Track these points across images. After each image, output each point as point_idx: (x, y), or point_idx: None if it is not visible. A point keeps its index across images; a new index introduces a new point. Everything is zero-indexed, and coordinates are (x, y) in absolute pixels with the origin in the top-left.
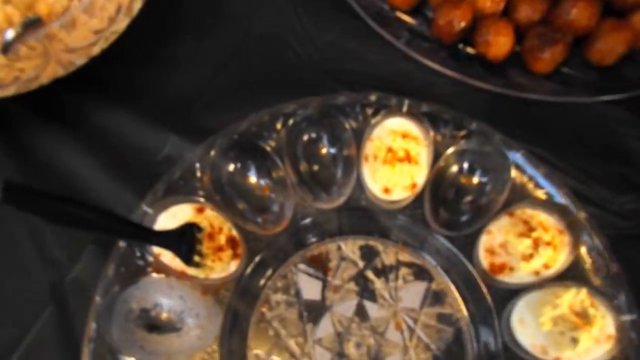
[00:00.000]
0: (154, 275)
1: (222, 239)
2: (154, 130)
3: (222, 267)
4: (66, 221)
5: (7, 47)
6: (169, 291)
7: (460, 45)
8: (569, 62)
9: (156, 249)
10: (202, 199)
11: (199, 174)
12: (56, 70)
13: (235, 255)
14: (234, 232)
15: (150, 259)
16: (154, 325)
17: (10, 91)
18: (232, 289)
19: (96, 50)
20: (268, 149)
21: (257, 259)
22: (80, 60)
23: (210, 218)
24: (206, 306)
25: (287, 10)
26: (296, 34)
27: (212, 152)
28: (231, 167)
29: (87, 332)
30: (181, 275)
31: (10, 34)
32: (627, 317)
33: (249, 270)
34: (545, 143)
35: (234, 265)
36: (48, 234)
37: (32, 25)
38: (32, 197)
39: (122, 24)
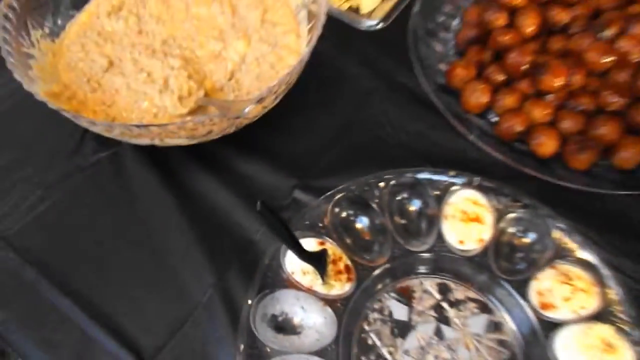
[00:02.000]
0: (286, 289)
1: (341, 265)
2: (284, 180)
3: (340, 287)
4: (277, 233)
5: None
6: (294, 302)
7: (517, 144)
8: (598, 164)
9: (290, 268)
10: (324, 236)
11: (322, 217)
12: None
13: (349, 279)
14: (349, 262)
15: (285, 275)
16: (281, 328)
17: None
18: (344, 304)
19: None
20: (373, 204)
21: (363, 284)
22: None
23: (331, 249)
24: (325, 315)
25: (383, 105)
26: (391, 123)
27: (332, 203)
28: (344, 214)
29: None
30: (308, 290)
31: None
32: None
33: (358, 292)
34: (581, 221)
35: (347, 286)
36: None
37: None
38: (271, 214)
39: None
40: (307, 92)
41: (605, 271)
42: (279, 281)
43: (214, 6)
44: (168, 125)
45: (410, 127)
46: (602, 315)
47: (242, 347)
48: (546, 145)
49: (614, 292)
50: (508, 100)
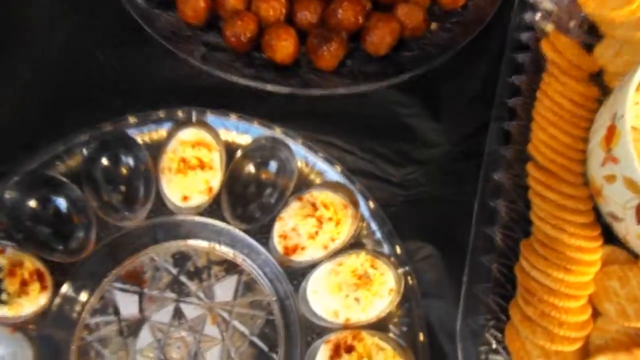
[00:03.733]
0: None
1: (25, 273)
2: None
3: (32, 301)
4: None
5: None
6: None
7: (256, 54)
8: (352, 56)
9: None
10: (2, 241)
11: None
12: None
13: (43, 287)
14: (39, 265)
15: None
16: None
17: None
18: (42, 322)
19: None
20: (65, 179)
21: (66, 287)
22: None
23: (9, 255)
24: (16, 344)
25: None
26: (96, 60)
27: (7, 194)
28: (32, 203)
29: None
30: None
31: None
32: (401, 270)
33: (58, 300)
34: (336, 132)
35: (44, 298)
36: None
37: None
38: None
39: None
40: None
41: (354, 185)
42: None
43: None
44: None
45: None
46: (356, 243)
47: None
48: (281, 47)
49: (365, 210)
50: (231, 0)
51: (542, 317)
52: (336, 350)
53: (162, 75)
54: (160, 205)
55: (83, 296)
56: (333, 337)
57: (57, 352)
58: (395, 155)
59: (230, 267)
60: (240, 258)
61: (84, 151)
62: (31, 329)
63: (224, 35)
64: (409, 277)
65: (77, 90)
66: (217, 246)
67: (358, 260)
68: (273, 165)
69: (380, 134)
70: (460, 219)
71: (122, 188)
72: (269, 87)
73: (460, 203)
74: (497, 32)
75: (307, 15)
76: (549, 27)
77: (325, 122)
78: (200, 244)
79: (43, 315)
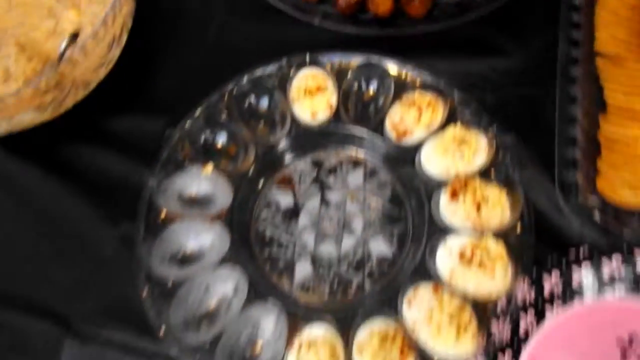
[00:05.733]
0: (170, 226)
1: None
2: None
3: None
4: None
5: (61, 56)
6: (183, 234)
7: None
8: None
9: (164, 204)
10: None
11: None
12: (77, 93)
13: None
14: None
15: (162, 214)
16: (183, 261)
17: (46, 116)
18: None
19: (102, 73)
20: (223, 119)
21: (240, 191)
22: (93, 83)
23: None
24: (215, 232)
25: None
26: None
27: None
28: (202, 138)
29: None
30: (190, 216)
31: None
32: (491, 131)
33: (239, 197)
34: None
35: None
36: None
37: (74, 38)
38: None
39: (116, 51)
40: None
41: (441, 84)
42: (159, 221)
43: None
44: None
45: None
46: (448, 120)
47: (145, 291)
48: (382, 2)
49: (454, 98)
50: None
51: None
52: (453, 192)
53: (283, 39)
54: (296, 126)
55: (252, 198)
56: (449, 185)
57: (243, 239)
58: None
59: (356, 162)
60: (362, 153)
61: (234, 93)
62: (224, 218)
63: (335, 3)
64: (499, 137)
65: (226, 55)
66: (343, 148)
67: (455, 130)
68: (375, 82)
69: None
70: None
71: (266, 117)
72: (373, 32)
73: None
74: None
75: None
76: None
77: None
78: (330, 149)
79: (229, 210)
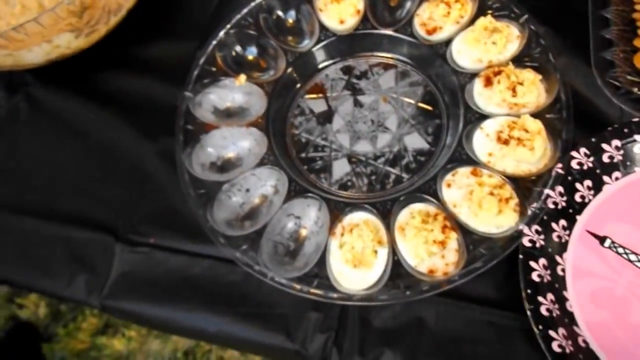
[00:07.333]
0: (207, 134)
1: None
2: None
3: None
4: None
5: None
6: (221, 141)
7: None
8: None
9: (200, 114)
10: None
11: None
12: (109, 19)
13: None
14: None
15: (200, 123)
16: (223, 168)
17: (81, 42)
18: (265, 120)
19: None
20: (252, 32)
21: (274, 99)
22: (124, 10)
23: None
24: (252, 136)
25: None
26: None
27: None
28: (233, 52)
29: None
30: (226, 124)
31: None
32: (522, 19)
33: (273, 105)
34: None
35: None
36: None
37: None
38: None
39: None
40: None
41: None
42: (197, 130)
43: None
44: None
45: None
46: (478, 12)
47: (191, 192)
48: None
49: None
50: None
51: None
52: (487, 79)
53: None
54: (325, 33)
55: (285, 106)
56: (482, 73)
57: (280, 144)
58: None
59: (387, 65)
60: (392, 56)
61: (262, 5)
62: (260, 123)
63: None
64: (531, 25)
65: None
66: (372, 53)
67: (486, 20)
68: None
69: None
70: None
71: (293, 29)
72: None
73: None
74: None
75: None
76: None
77: None
78: (360, 54)
79: (265, 114)
